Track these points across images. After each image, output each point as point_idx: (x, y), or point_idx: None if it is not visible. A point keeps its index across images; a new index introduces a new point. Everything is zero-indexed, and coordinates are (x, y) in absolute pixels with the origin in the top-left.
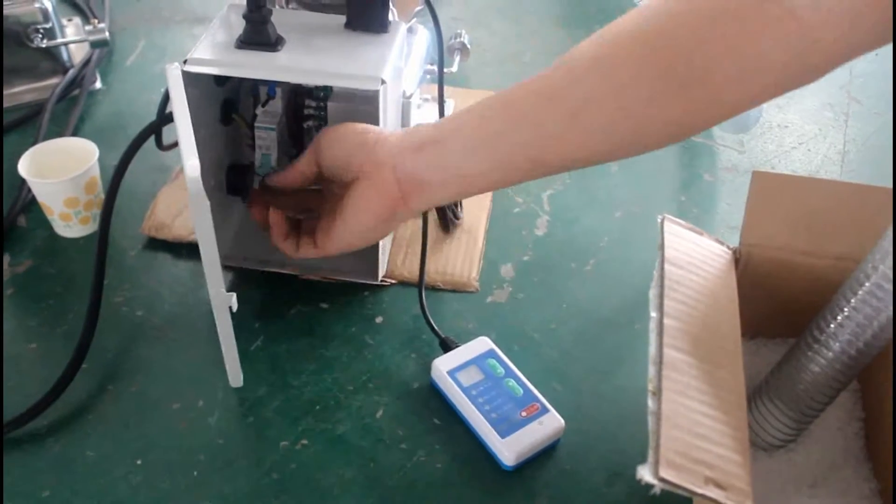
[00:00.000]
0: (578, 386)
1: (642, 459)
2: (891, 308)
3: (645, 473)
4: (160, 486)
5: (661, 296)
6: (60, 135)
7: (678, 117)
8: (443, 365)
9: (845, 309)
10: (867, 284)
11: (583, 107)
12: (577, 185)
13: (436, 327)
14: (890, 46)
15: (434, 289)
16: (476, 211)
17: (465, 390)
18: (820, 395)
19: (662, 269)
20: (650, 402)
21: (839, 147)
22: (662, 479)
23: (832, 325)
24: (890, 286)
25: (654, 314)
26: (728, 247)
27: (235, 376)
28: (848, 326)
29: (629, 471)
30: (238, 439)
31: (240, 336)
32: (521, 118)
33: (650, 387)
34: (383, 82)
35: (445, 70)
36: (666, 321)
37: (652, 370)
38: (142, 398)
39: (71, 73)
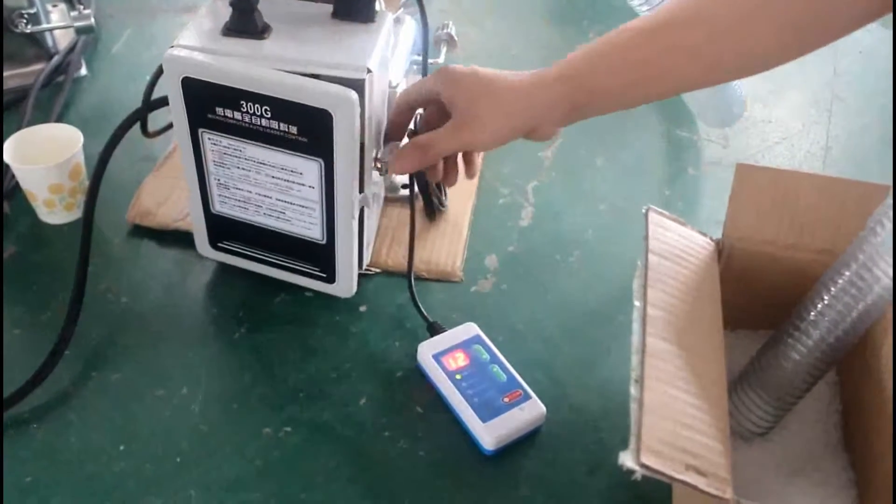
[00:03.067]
0: (562, 376)
1: (624, 449)
2: (868, 297)
3: (626, 459)
4: (144, 473)
5: (644, 286)
6: (45, 121)
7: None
8: (429, 348)
9: (825, 298)
10: (847, 274)
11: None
12: (562, 178)
13: (424, 311)
14: (876, 44)
15: (418, 278)
16: (461, 202)
17: (449, 374)
18: (799, 382)
19: (647, 259)
20: (633, 390)
21: (822, 143)
22: (644, 466)
23: (812, 314)
24: (869, 276)
25: (637, 304)
26: (711, 239)
27: (349, 287)
28: (827, 315)
29: (611, 460)
30: (222, 426)
31: (224, 324)
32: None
33: (633, 375)
34: (369, 71)
35: (432, 61)
36: (649, 311)
37: (635, 359)
38: (126, 385)
39: (56, 59)
